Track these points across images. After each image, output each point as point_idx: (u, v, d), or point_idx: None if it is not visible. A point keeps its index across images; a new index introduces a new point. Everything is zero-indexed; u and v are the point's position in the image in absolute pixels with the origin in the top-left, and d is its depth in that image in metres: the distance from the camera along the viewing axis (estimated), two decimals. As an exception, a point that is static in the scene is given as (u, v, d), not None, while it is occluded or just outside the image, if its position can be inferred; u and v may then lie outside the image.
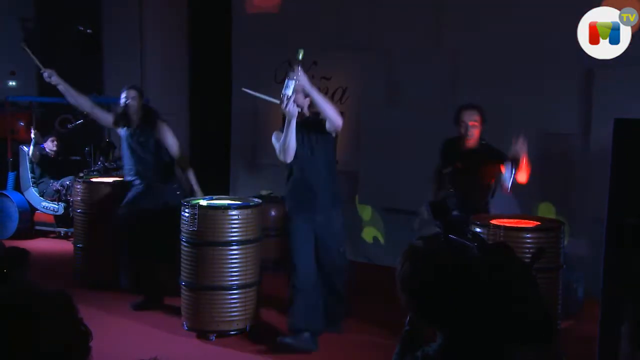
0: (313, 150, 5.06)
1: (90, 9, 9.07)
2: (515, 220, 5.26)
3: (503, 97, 6.75)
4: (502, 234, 4.90)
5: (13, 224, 7.80)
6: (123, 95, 5.83)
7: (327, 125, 4.94)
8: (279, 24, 8.35)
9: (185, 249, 5.24)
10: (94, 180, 6.67)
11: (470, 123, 5.32)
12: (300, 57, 4.77)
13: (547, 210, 6.57)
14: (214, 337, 5.32)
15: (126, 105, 5.63)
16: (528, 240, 4.82)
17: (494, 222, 5.04)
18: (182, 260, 5.30)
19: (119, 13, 8.77)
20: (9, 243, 5.05)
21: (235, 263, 5.38)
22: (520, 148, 4.87)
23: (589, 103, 6.56)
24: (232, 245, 5.35)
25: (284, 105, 4.59)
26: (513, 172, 4.81)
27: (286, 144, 4.86)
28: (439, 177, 5.45)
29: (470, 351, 1.91)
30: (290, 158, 4.92)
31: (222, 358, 5.11)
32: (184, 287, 5.27)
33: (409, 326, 2.43)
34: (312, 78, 7.73)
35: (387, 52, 7.51)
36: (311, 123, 5.07)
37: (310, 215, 5.07)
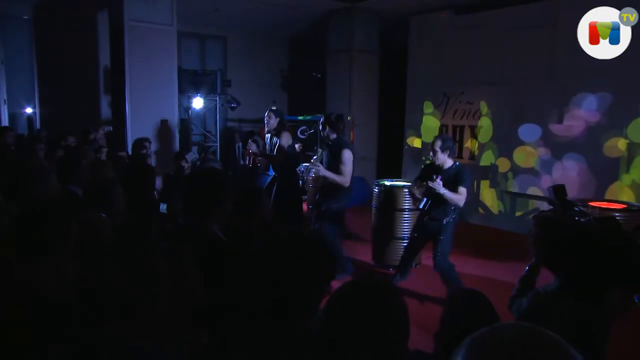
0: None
1: (320, 61, 9.76)
2: (607, 203, 5.33)
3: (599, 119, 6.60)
4: (597, 212, 4.81)
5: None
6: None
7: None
8: (436, 66, 8.46)
9: (375, 212, 5.44)
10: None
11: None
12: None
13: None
14: (391, 269, 5.53)
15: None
16: (617, 217, 4.53)
17: (591, 203, 5.14)
18: (373, 220, 5.49)
19: (336, 62, 9.28)
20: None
21: (406, 222, 5.62)
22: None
23: None
24: (405, 211, 5.62)
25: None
26: None
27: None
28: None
29: (581, 290, 1.79)
30: None
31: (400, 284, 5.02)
32: (375, 237, 5.48)
33: (527, 272, 2.35)
34: (459, 103, 7.66)
35: (514, 85, 7.27)
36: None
37: None
